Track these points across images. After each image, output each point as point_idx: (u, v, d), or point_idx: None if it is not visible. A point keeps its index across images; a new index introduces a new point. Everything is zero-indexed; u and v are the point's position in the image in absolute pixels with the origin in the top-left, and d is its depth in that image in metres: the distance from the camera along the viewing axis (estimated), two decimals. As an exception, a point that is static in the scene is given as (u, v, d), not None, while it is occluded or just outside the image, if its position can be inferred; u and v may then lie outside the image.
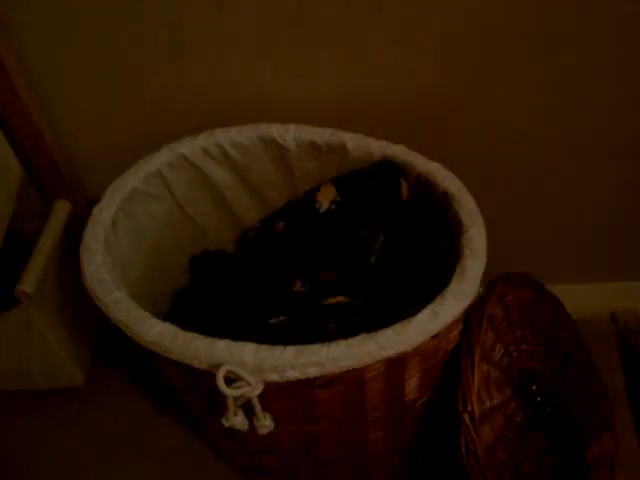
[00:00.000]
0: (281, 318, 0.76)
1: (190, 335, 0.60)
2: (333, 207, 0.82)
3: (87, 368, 1.04)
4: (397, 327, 0.59)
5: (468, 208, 0.69)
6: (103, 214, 0.74)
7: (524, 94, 0.82)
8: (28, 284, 0.83)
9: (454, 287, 0.62)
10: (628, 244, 1.02)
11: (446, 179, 0.73)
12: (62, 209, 0.92)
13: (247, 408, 0.60)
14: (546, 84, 0.81)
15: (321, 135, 0.79)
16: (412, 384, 0.68)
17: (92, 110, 0.86)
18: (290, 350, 0.58)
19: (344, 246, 0.80)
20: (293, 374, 0.58)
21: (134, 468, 0.95)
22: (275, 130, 0.80)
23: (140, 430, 0.99)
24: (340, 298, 0.79)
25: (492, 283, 0.74)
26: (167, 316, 0.84)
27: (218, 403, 0.60)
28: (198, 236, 0.91)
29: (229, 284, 0.87)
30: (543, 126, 0.86)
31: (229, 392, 0.57)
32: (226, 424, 0.60)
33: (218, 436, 0.82)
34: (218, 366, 0.57)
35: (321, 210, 0.82)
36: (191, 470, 0.94)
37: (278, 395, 0.63)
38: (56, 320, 0.94)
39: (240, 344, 0.58)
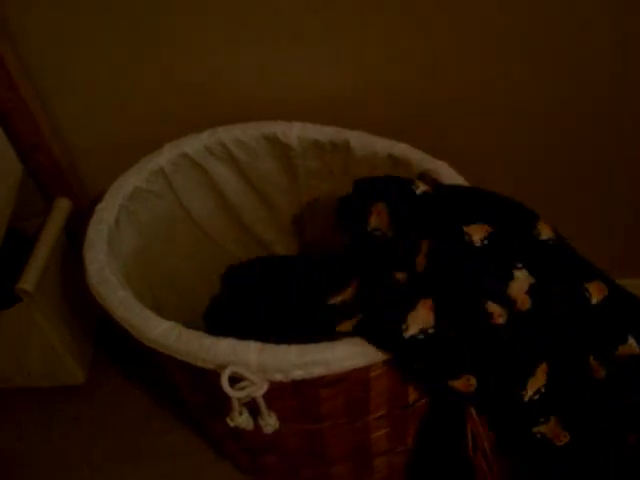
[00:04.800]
0: None
1: (194, 334, 0.60)
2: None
3: (87, 366, 1.03)
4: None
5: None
6: (106, 212, 0.73)
7: (528, 92, 0.82)
8: (28, 282, 0.83)
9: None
10: (628, 241, 1.03)
11: (451, 178, 0.73)
12: (62, 207, 0.92)
13: (252, 407, 0.60)
14: (546, 82, 0.81)
15: (325, 133, 0.79)
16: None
17: (93, 107, 0.86)
18: (295, 350, 0.57)
19: None
20: (298, 373, 0.58)
21: (134, 467, 0.94)
22: (279, 128, 0.80)
23: (140, 429, 0.99)
24: None
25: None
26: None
27: (222, 402, 0.60)
28: (200, 234, 0.90)
29: None
30: (545, 125, 0.86)
31: (234, 394, 0.56)
32: (231, 424, 0.59)
33: (222, 435, 0.82)
34: (222, 366, 0.57)
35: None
36: (191, 469, 0.94)
37: (283, 394, 0.63)
38: (56, 318, 0.93)
39: (244, 343, 0.58)
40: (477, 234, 0.62)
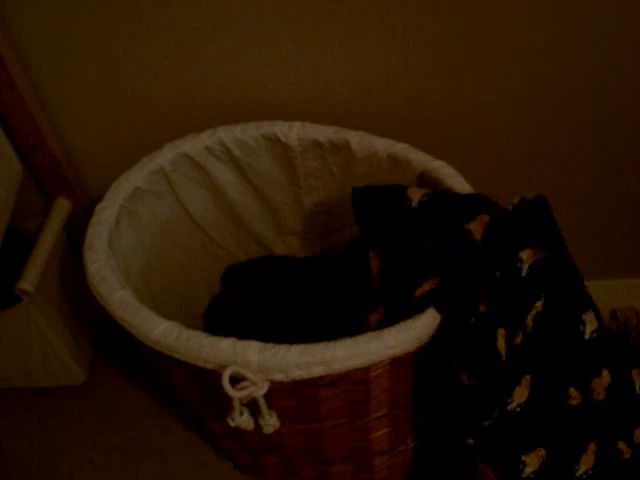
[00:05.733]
0: None
1: (194, 334, 0.60)
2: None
3: (88, 366, 1.03)
4: (403, 326, 0.59)
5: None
6: (106, 212, 0.73)
7: (528, 92, 0.82)
8: (28, 282, 0.83)
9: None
10: (629, 241, 1.03)
11: (450, 177, 0.73)
12: (62, 207, 0.92)
13: (252, 406, 0.60)
14: (547, 82, 0.81)
15: (325, 133, 0.79)
16: (416, 382, 0.68)
17: (93, 107, 0.86)
18: (295, 349, 0.57)
19: None
20: (298, 373, 0.58)
21: (134, 467, 0.95)
22: (279, 128, 0.80)
23: (140, 428, 0.99)
24: None
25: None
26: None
27: (223, 402, 0.60)
28: (199, 234, 0.90)
29: None
30: (545, 125, 0.86)
31: (235, 394, 0.56)
32: (232, 424, 0.59)
33: (222, 435, 0.82)
34: (223, 365, 0.57)
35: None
36: (191, 469, 0.94)
37: (283, 394, 0.63)
38: (57, 318, 0.93)
39: (245, 343, 0.58)
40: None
